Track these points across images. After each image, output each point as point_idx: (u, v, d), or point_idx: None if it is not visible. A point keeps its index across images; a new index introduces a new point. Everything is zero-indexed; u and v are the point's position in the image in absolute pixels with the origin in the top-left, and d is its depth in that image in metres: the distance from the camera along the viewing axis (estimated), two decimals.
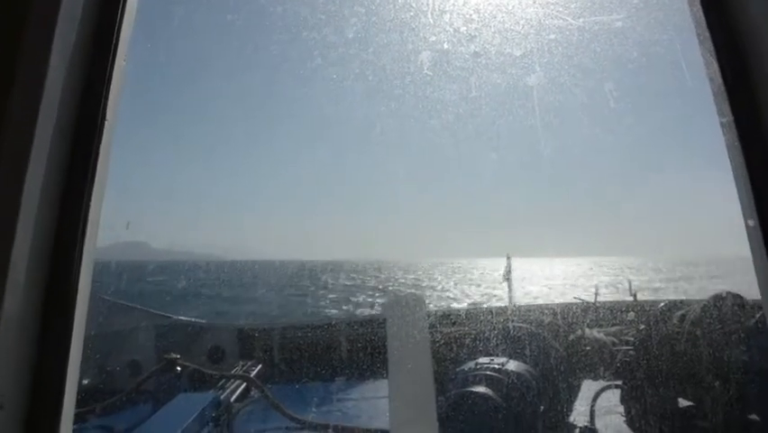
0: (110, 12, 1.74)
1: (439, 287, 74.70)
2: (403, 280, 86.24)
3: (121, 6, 1.76)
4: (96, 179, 1.64)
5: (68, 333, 1.53)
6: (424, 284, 79.54)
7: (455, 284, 78.27)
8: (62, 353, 1.51)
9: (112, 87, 1.70)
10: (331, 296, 56.71)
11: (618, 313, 12.03)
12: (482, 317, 11.09)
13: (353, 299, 54.00)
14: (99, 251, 1.74)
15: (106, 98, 1.68)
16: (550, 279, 79.94)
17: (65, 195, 1.59)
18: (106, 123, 1.69)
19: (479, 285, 74.74)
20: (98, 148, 1.65)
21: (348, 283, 74.30)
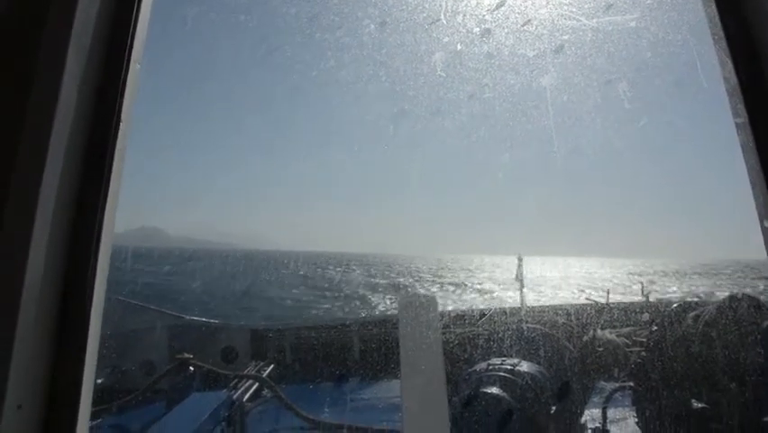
0: (124, 16, 1.75)
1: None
2: None
3: (135, 10, 1.77)
4: (112, 180, 1.65)
5: (84, 334, 1.54)
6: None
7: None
8: (79, 354, 1.52)
9: (127, 89, 1.71)
10: None
11: (631, 314, 11.97)
12: (495, 318, 11.07)
13: None
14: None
15: (121, 101, 1.69)
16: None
17: (80, 197, 1.60)
18: (122, 125, 1.70)
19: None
20: (113, 150, 1.66)
21: None
